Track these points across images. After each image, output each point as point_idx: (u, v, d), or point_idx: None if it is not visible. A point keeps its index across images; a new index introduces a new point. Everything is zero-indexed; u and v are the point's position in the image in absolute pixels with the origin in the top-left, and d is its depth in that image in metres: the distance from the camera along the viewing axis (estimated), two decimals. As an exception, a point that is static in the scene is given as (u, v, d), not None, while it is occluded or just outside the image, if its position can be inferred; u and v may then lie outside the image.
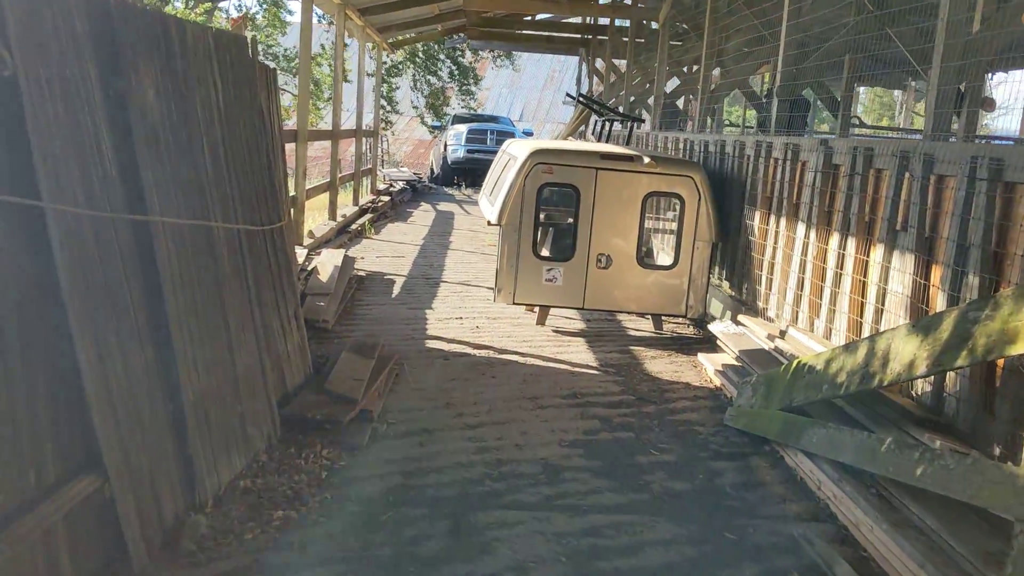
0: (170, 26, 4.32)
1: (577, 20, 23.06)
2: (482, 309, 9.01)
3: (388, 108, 33.19)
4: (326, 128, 20.19)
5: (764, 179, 7.85)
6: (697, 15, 13.59)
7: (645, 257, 8.54)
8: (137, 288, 3.80)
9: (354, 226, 14.13)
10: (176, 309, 4.00)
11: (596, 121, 15.75)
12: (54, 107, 3.40)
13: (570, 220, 8.44)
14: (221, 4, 34.56)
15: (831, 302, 6.28)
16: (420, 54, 33.88)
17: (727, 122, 17.40)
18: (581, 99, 15.00)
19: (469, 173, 24.08)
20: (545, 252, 9.05)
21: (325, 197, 14.14)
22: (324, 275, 8.88)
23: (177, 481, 3.92)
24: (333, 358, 6.43)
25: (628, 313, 8.79)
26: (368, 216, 15.44)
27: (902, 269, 5.34)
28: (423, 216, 17.53)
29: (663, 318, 8.59)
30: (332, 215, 13.89)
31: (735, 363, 6.88)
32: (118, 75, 3.83)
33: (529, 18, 22.32)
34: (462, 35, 24.26)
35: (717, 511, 4.63)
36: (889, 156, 5.67)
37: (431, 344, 7.59)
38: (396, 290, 9.82)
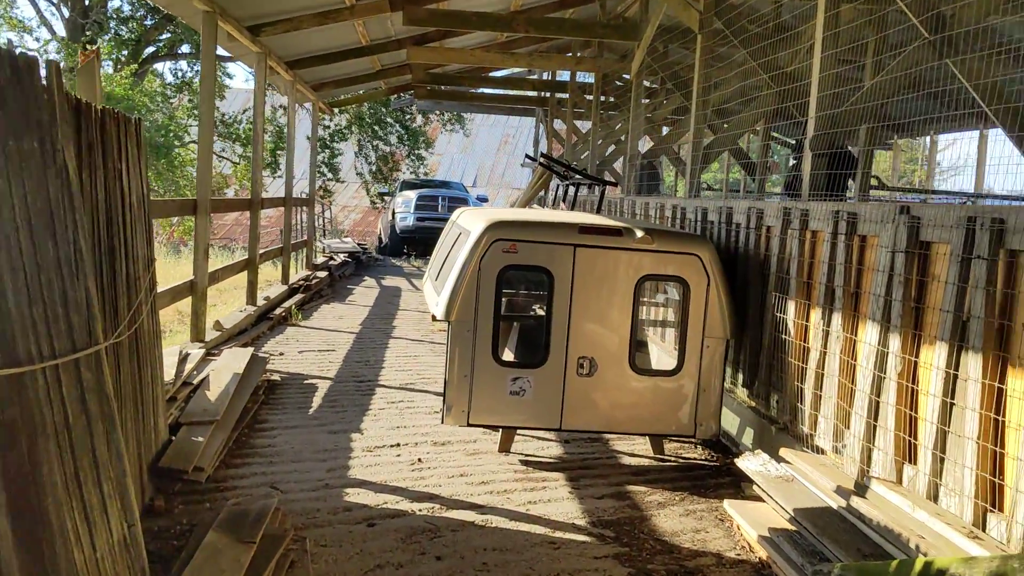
0: None
1: (534, 76, 21.40)
2: (427, 430, 6.84)
3: (330, 177, 31.31)
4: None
5: (799, 258, 5.88)
6: (674, 63, 11.83)
7: (639, 360, 6.47)
8: None
9: (279, 310, 11.90)
10: None
11: (559, 185, 13.85)
12: None
13: (541, 313, 6.39)
14: (155, 67, 32.63)
15: (937, 446, 4.24)
16: (367, 117, 32.18)
17: (704, 184, 15.59)
18: (543, 160, 13.10)
19: (419, 243, 22.44)
20: (509, 356, 6.96)
21: (244, 277, 11.93)
22: (216, 390, 6.67)
23: None
24: (193, 544, 4.23)
25: (619, 434, 6.69)
26: (298, 297, 13.25)
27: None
28: (364, 294, 15.36)
29: (664, 439, 6.52)
30: (251, 298, 11.66)
31: (788, 526, 4.78)
32: None
33: (482, 75, 20.57)
34: (409, 95, 22.47)
35: None
36: (1039, 231, 3.70)
37: (352, 496, 5.39)
38: (316, 401, 7.60)
